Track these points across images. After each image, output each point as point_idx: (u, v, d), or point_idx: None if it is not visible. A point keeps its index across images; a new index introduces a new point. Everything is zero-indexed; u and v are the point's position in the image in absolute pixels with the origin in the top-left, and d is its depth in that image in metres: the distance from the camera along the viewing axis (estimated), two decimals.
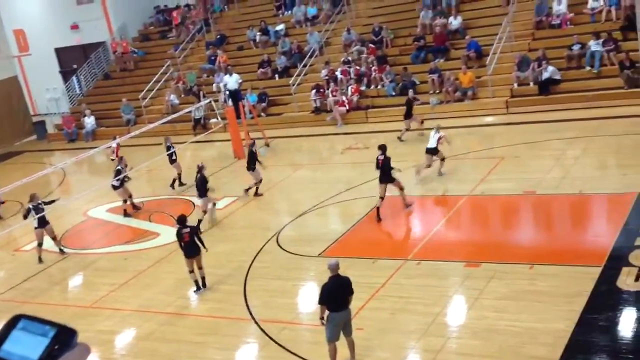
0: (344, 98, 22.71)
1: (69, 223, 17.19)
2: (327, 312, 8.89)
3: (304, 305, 11.65)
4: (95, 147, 20.08)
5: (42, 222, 14.86)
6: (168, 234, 15.60)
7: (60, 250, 15.27)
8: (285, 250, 13.54)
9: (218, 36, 28.64)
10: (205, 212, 15.47)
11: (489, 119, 20.27)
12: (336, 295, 8.93)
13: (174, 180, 18.43)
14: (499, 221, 14.03)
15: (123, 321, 11.96)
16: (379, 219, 14.05)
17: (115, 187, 16.76)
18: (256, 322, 10.84)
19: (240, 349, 10.52)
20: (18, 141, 29.06)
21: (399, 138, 18.92)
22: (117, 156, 18.59)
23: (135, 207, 17.31)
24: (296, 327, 10.74)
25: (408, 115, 19.13)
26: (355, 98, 22.74)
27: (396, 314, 10.45)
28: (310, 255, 13.10)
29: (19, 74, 30.85)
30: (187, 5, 31.07)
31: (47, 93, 31.37)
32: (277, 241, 13.99)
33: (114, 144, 19.42)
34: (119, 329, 11.74)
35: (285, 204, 15.96)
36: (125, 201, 17.03)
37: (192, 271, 12.11)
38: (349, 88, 23.00)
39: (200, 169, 15.56)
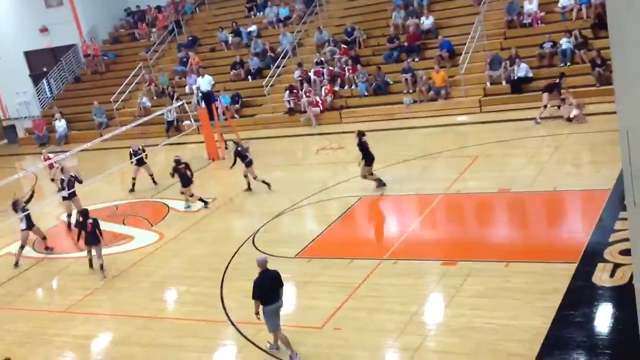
0: (317, 99, 22.68)
1: (42, 227, 16.84)
2: (261, 307, 9.34)
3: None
4: (68, 151, 19.68)
5: (30, 224, 14.82)
6: (142, 237, 15.49)
7: (47, 248, 15.37)
8: (262, 252, 13.42)
9: (190, 38, 28.45)
10: (191, 195, 16.34)
11: (462, 118, 20.40)
12: (267, 289, 9.36)
13: (153, 179, 18.53)
14: (475, 219, 14.08)
15: (98, 325, 11.82)
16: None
17: (65, 198, 16.43)
18: (233, 324, 10.77)
19: (218, 351, 10.44)
20: None
21: None
22: (50, 169, 18.61)
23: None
24: None
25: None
26: (329, 98, 22.73)
27: (373, 314, 10.44)
28: (286, 257, 13.04)
29: None
30: (158, 7, 30.78)
31: (17, 97, 30.89)
32: (253, 243, 13.91)
33: (47, 163, 19.08)
34: (95, 333, 11.61)
35: (260, 206, 15.86)
36: (69, 215, 16.57)
37: (90, 257, 13.73)
38: (323, 89, 22.98)
39: (177, 163, 16.43)
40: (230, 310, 11.20)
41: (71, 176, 16.47)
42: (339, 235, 14.02)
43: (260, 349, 9.95)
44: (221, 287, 12.10)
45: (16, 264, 14.85)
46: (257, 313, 9.41)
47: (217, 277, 12.47)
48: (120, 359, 10.63)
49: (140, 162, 18.49)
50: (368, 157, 15.39)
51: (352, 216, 14.85)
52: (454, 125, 19.98)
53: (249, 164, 16.64)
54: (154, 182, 18.66)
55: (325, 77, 23.40)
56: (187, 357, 10.30)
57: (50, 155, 19.20)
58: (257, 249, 13.61)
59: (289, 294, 11.86)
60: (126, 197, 18.71)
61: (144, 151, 18.52)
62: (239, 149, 17.04)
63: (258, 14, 28.25)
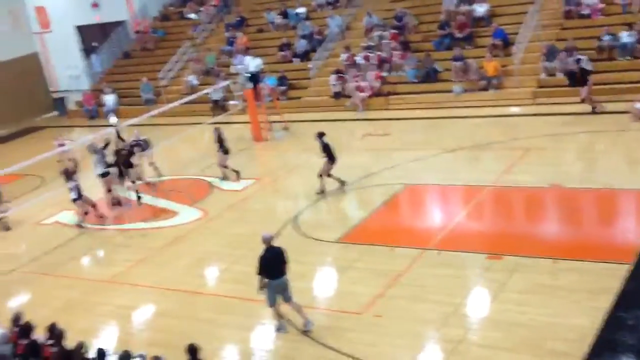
0: (364, 83, 22.43)
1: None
2: (265, 281, 9.75)
3: (319, 290, 11.57)
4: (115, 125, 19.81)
5: (79, 195, 15.28)
6: (186, 213, 15.59)
7: (100, 217, 15.63)
8: (302, 234, 13.39)
9: (238, 18, 28.41)
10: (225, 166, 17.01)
11: (514, 109, 19.86)
12: (272, 264, 9.74)
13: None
14: (523, 213, 13.73)
15: (141, 297, 11.99)
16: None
17: (103, 175, 16.50)
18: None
19: (255, 330, 10.43)
20: (38, 117, 29.06)
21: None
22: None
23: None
24: (312, 312, 10.54)
25: None
26: (376, 84, 22.44)
27: (415, 303, 10.32)
28: (327, 241, 12.98)
29: (39, 50, 30.79)
30: None
31: (68, 70, 31.33)
32: (294, 225, 13.86)
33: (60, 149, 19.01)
34: (137, 304, 11.78)
35: (303, 189, 15.75)
36: (109, 190, 16.58)
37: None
38: (370, 74, 22.70)
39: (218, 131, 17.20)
40: None
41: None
42: (381, 222, 13.86)
43: (296, 328, 9.96)
44: None
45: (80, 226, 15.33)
46: (260, 288, 9.80)
47: (256, 257, 12.41)
48: (161, 330, 10.78)
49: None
50: (331, 158, 15.18)
51: (395, 203, 14.66)
52: (505, 116, 19.48)
53: (332, 160, 15.49)
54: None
55: (373, 61, 23.10)
56: (225, 333, 10.37)
57: (65, 141, 19.38)
58: (297, 231, 13.55)
59: (328, 278, 11.88)
60: (171, 174, 18.84)
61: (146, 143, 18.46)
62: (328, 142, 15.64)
63: None
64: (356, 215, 14.16)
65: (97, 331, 10.96)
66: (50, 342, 9.08)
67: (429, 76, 22.03)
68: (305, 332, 9.87)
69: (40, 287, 12.98)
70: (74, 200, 15.21)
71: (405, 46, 23.12)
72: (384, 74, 22.83)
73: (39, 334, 9.39)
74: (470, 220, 13.36)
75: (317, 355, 9.47)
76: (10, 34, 28.77)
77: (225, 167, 17.09)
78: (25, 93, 28.71)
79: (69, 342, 9.02)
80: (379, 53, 23.25)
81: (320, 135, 15.40)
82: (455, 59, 21.62)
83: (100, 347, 8.84)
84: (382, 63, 23.04)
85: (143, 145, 18.31)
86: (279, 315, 10.07)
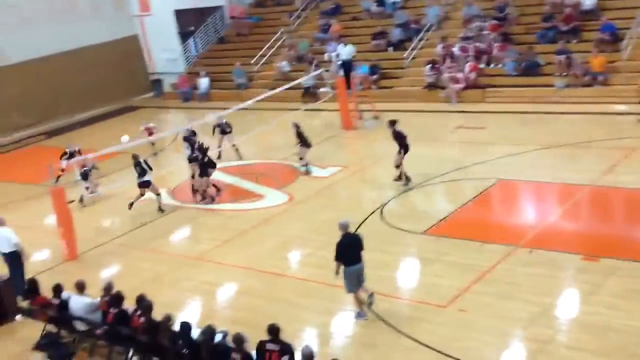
0: (460, 75, 21.88)
1: (178, 178, 17.56)
2: (342, 267, 9.75)
3: (403, 280, 11.44)
4: (208, 109, 20.29)
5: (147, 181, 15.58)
6: (273, 196, 15.71)
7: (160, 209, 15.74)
8: (389, 224, 13.21)
9: (333, 5, 28.34)
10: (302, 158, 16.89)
11: (620, 107, 18.77)
12: (348, 250, 9.77)
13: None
14: (623, 216, 13.01)
15: (225, 275, 12.21)
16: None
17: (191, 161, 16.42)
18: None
19: (337, 315, 10.39)
20: (136, 97, 30.09)
21: None
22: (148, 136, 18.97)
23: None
24: (394, 301, 10.53)
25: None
26: (472, 76, 21.85)
27: (502, 300, 10.06)
28: (414, 232, 12.77)
29: (139, 33, 31.81)
30: None
31: (165, 53, 32.20)
32: (381, 214, 13.68)
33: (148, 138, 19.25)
34: (221, 282, 12.01)
35: (390, 179, 15.50)
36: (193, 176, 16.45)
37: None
38: (467, 65, 22.13)
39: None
40: None
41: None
42: (471, 216, 13.48)
43: (379, 317, 9.88)
44: None
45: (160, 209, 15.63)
46: (337, 273, 9.80)
47: None
48: (243, 309, 10.93)
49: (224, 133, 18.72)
50: (403, 146, 14.87)
51: (486, 198, 14.22)
52: (610, 114, 18.52)
53: (404, 149, 15.26)
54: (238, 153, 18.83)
55: (471, 53, 22.50)
56: (306, 316, 10.42)
57: (150, 125, 19.71)
58: (384, 221, 13.38)
59: (412, 269, 11.67)
60: (260, 157, 19.02)
61: (228, 126, 18.65)
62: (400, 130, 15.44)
63: None
64: (444, 208, 13.82)
65: (182, 305, 11.20)
66: (138, 312, 9.31)
67: (530, 69, 21.24)
68: (358, 317, 10.00)
69: (130, 260, 13.42)
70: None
71: (506, 38, 22.39)
72: (481, 65, 22.20)
73: (128, 305, 9.65)
74: (566, 219, 12.81)
75: (395, 343, 9.39)
76: (112, 16, 29.89)
77: (301, 159, 16.91)
78: (125, 73, 29.76)
79: (155, 314, 9.22)
80: (477, 44, 22.62)
81: (392, 123, 15.17)
82: (559, 53, 20.73)
83: (185, 320, 8.98)
84: (479, 55, 22.42)
85: (224, 126, 18.57)
86: (359, 302, 10.00)
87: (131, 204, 15.58)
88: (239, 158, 18.72)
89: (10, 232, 12.03)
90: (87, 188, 16.92)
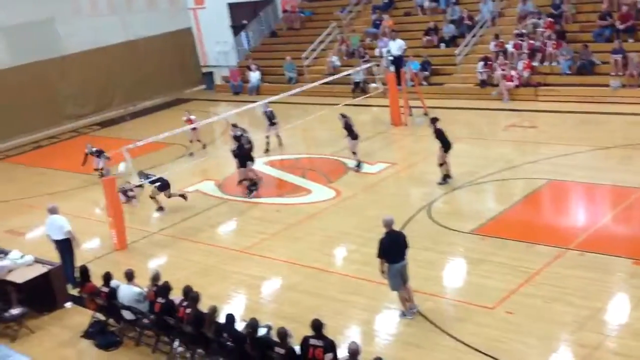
0: (513, 73, 21.49)
1: (227, 171, 17.75)
2: (386, 265, 9.68)
3: (449, 279, 11.33)
4: (256, 102, 20.37)
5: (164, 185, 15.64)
6: (320, 191, 15.73)
7: (182, 196, 15.87)
8: (436, 223, 13.10)
9: (385, 0, 28.15)
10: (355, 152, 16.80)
11: None
12: (392, 248, 9.69)
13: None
14: None
15: (271, 269, 12.28)
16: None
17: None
18: None
19: (382, 313, 10.36)
20: (188, 89, 30.52)
21: None
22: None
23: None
24: (440, 300, 10.46)
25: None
26: (525, 74, 21.44)
27: (551, 303, 9.89)
28: (461, 231, 12.63)
29: (193, 26, 32.23)
30: None
31: (217, 46, 32.55)
32: (428, 212, 13.57)
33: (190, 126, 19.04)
34: (268, 276, 12.08)
35: (438, 177, 15.34)
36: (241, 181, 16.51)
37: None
38: (520, 63, 21.72)
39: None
40: None
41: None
42: (520, 216, 13.27)
43: (425, 317, 9.82)
44: None
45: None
46: (382, 271, 9.74)
47: None
48: (289, 303, 10.95)
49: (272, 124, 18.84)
50: (445, 144, 14.73)
51: (537, 199, 13.97)
52: None
53: (446, 147, 15.16)
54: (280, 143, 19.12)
55: (525, 50, 22.07)
56: (351, 313, 10.40)
57: (192, 117, 19.76)
58: (431, 219, 13.26)
59: (459, 269, 11.54)
60: (306, 152, 19.07)
61: (273, 115, 18.69)
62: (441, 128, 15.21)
63: None
64: (493, 208, 13.64)
65: (228, 298, 11.34)
66: (185, 303, 9.45)
67: (585, 68, 20.72)
68: (403, 315, 9.94)
69: (178, 251, 13.60)
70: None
71: (561, 36, 21.88)
72: (535, 63, 21.76)
73: (175, 295, 9.81)
74: (618, 222, 12.50)
75: (439, 343, 9.32)
76: (167, 8, 30.38)
77: (355, 153, 16.87)
78: (178, 65, 30.21)
79: (201, 306, 9.35)
80: (531, 42, 22.18)
81: (434, 120, 15.04)
82: (615, 52, 20.16)
83: (230, 313, 9.08)
84: (533, 52, 21.97)
85: (269, 114, 18.66)
86: (404, 300, 9.95)
87: (182, 195, 15.84)
88: (281, 147, 18.85)
89: (62, 219, 12.27)
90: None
